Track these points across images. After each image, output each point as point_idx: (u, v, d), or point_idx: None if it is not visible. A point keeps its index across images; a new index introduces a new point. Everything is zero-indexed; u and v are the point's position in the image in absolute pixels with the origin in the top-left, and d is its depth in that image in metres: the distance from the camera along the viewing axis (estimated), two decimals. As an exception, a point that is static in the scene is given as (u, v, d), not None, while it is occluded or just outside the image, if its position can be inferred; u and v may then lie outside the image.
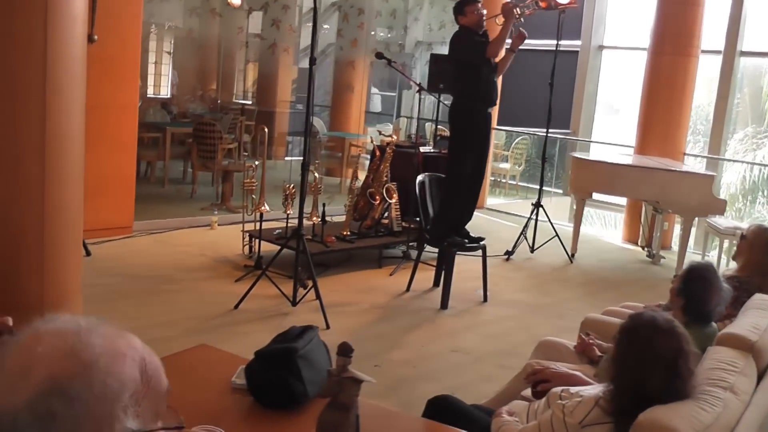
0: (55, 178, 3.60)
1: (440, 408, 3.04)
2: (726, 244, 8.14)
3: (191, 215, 8.28)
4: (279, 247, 5.92)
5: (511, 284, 7.15)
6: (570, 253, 8.32)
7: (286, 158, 12.42)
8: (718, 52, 10.33)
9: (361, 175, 11.80)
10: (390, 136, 7.92)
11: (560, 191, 12.52)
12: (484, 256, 6.55)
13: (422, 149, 7.60)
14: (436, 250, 6.73)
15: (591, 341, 3.84)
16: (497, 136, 12.35)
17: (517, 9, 6.32)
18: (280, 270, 6.26)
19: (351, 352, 2.06)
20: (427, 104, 13.61)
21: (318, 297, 5.55)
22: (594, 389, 2.70)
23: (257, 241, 6.82)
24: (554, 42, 8.27)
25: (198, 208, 8.68)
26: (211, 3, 10.84)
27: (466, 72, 6.20)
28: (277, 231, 6.90)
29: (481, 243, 6.48)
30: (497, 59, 6.33)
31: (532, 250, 8.38)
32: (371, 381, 2.03)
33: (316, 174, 6.97)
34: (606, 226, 11.60)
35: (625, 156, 9.36)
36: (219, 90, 12.64)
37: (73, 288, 3.69)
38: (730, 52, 10.09)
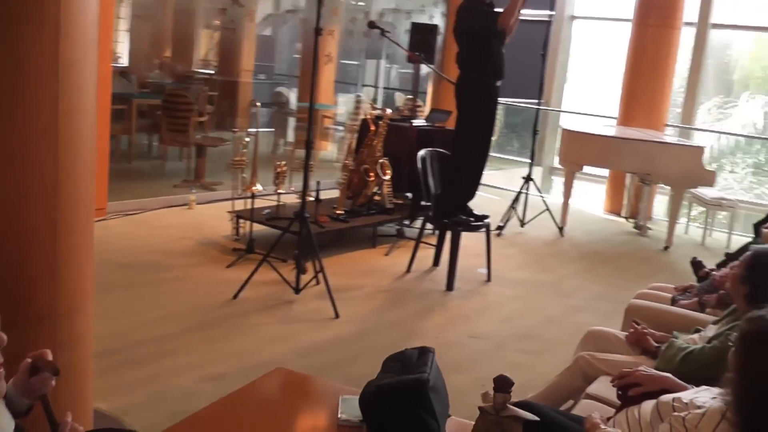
0: (70, 170, 3.18)
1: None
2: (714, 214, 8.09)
3: (166, 194, 7.84)
4: (268, 228, 5.56)
5: (509, 261, 6.93)
6: (560, 226, 8.15)
7: (250, 130, 11.96)
8: (691, 24, 10.22)
9: (332, 147, 11.50)
10: (383, 109, 7.58)
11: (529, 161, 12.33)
12: (488, 235, 6.32)
13: (415, 123, 7.29)
14: (431, 227, 6.47)
15: (644, 330, 3.64)
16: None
17: None
18: (272, 253, 5.91)
19: (510, 386, 1.75)
20: (393, 74, 13.30)
21: (326, 284, 5.24)
22: (709, 398, 2.48)
23: (246, 222, 6.45)
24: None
25: (170, 186, 8.23)
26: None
27: (476, 44, 5.89)
28: (266, 211, 6.54)
29: (486, 221, 6.24)
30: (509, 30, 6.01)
31: (523, 224, 8.18)
32: (534, 419, 1.74)
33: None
34: (584, 197, 11.47)
35: (610, 128, 9.20)
36: (180, 58, 12.05)
37: (86, 296, 3.30)
38: (703, 24, 9.97)
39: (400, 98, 12.04)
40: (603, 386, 3.34)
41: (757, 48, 12.43)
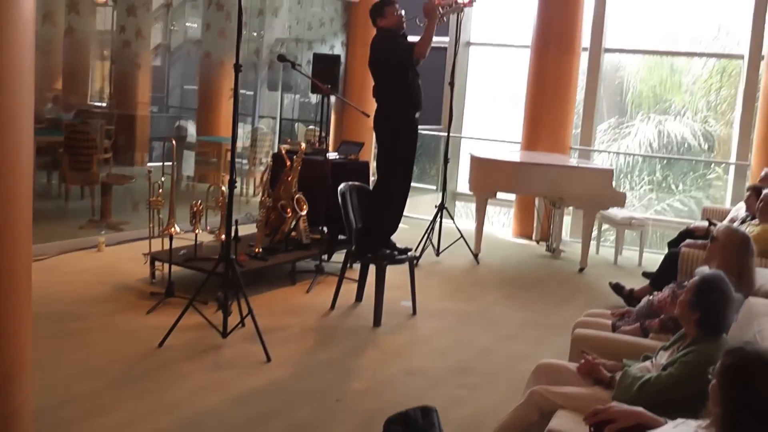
0: (2, 195, 2.88)
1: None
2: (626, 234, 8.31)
3: (71, 236, 7.43)
4: (186, 270, 5.32)
5: (430, 292, 6.87)
6: (474, 254, 8.18)
7: (149, 164, 11.56)
8: (585, 49, 10.54)
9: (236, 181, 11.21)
10: (298, 143, 7.43)
11: (433, 187, 12.43)
12: (412, 267, 6.24)
13: (329, 156, 7.18)
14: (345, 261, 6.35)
15: (595, 360, 3.63)
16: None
17: (440, 8, 6.04)
18: (189, 293, 5.66)
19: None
20: (287, 104, 13.11)
21: (256, 326, 5.03)
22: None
23: (162, 263, 6.18)
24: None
25: (76, 227, 7.82)
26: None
27: (393, 76, 5.84)
28: (183, 251, 6.28)
29: (410, 254, 6.17)
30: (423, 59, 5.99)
31: (438, 253, 8.16)
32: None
33: (223, 188, 6.37)
34: (492, 222, 11.62)
35: (516, 153, 9.35)
36: (74, 91, 11.53)
37: (25, 348, 3.04)
38: (596, 49, 10.28)
39: (301, 129, 11.91)
40: (564, 421, 3.30)
41: (646, 70, 12.96)
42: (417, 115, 5.96)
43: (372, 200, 6.08)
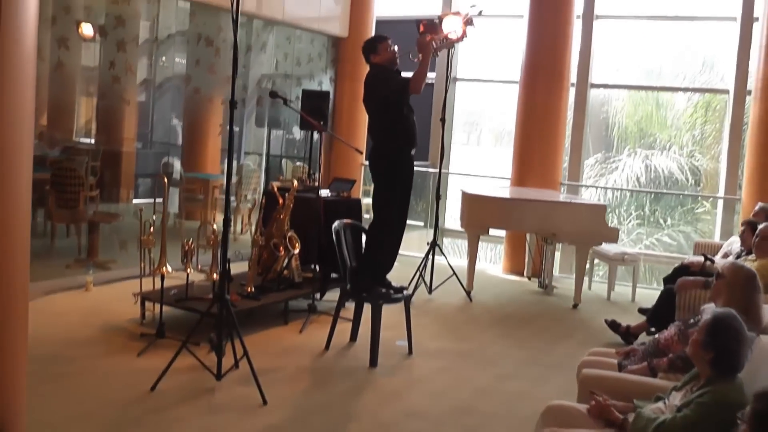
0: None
1: None
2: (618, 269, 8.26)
3: (58, 276, 7.28)
4: (177, 310, 5.20)
5: (425, 331, 6.76)
6: (467, 291, 8.09)
7: (134, 200, 11.41)
8: (572, 84, 10.59)
9: (219, 217, 11.09)
10: (290, 180, 7.35)
11: (421, 224, 12.36)
12: (407, 306, 6.14)
13: (322, 193, 7.09)
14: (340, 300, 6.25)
15: (606, 401, 3.54)
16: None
17: (434, 42, 6.02)
18: (180, 334, 5.52)
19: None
20: (273, 140, 13.03)
21: (251, 368, 4.90)
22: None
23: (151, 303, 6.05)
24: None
25: (63, 266, 7.65)
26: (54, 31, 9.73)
27: (388, 113, 5.79)
28: (173, 291, 6.15)
29: (405, 293, 6.07)
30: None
31: (430, 291, 8.07)
32: None
33: (215, 226, 6.27)
34: (481, 258, 11.53)
35: (506, 189, 9.32)
36: (60, 127, 11.40)
37: (18, 398, 2.91)
38: (583, 84, 10.31)
39: (288, 165, 11.83)
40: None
41: (632, 105, 13.05)
42: (413, 152, 5.90)
43: (368, 239, 5.99)
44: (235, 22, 4.79)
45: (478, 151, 14.26)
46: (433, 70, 12.21)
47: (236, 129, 13.06)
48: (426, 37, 6.00)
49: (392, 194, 5.82)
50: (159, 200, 10.81)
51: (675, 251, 11.78)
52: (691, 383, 3.43)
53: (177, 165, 11.03)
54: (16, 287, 2.72)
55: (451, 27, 6.77)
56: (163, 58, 11.57)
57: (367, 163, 11.42)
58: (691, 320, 4.34)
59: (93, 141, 11.64)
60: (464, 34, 6.91)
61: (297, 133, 12.13)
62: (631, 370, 4.14)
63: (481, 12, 6.85)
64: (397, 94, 5.77)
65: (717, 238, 9.67)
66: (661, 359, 4.11)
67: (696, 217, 12.38)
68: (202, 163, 11.02)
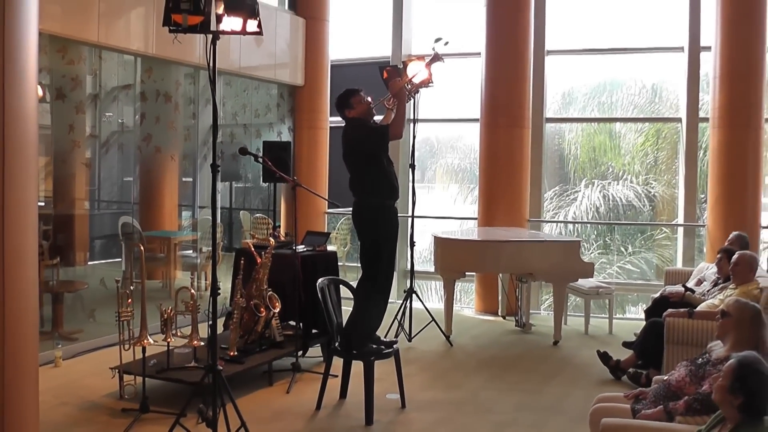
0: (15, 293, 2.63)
1: None
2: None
3: (25, 352, 6.94)
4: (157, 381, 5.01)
5: (413, 381, 6.60)
6: (446, 335, 8.00)
7: (89, 263, 11.06)
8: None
9: (181, 275, 10.81)
10: (266, 238, 7.18)
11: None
12: (398, 359, 6.00)
13: (298, 249, 6.95)
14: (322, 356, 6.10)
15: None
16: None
17: (407, 85, 6.00)
18: (164, 407, 5.29)
19: None
20: (226, 192, 12.82)
21: (250, 440, 4.72)
22: None
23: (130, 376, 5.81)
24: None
25: (27, 342, 7.31)
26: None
27: (368, 166, 5.70)
28: (153, 361, 5.92)
29: (395, 347, 5.95)
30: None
31: (410, 338, 7.95)
32: None
33: (193, 290, 6.07)
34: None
35: (473, 230, 9.30)
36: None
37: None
38: (538, 120, 10.38)
39: (245, 216, 11.62)
40: None
41: (585, 137, 13.22)
42: (395, 203, 5.82)
43: (357, 295, 5.86)
44: (212, 81, 4.65)
45: (431, 189, 14.24)
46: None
47: (190, 180, 12.89)
48: (398, 81, 5.96)
49: (378, 248, 5.71)
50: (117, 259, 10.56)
51: (638, 278, 11.89)
52: (718, 427, 3.40)
53: (136, 224, 10.75)
54: (27, 358, 2.56)
55: (415, 70, 6.71)
56: (110, 114, 11.33)
57: (330, 211, 11.38)
58: (699, 360, 4.31)
59: (44, 204, 11.29)
60: (430, 77, 6.84)
61: (252, 183, 11.95)
62: (646, 415, 4.08)
63: (447, 43, 6.75)
64: (377, 142, 5.69)
65: (680, 264, 9.79)
66: (676, 403, 4.06)
67: (656, 243, 12.54)
68: (159, 221, 10.74)
